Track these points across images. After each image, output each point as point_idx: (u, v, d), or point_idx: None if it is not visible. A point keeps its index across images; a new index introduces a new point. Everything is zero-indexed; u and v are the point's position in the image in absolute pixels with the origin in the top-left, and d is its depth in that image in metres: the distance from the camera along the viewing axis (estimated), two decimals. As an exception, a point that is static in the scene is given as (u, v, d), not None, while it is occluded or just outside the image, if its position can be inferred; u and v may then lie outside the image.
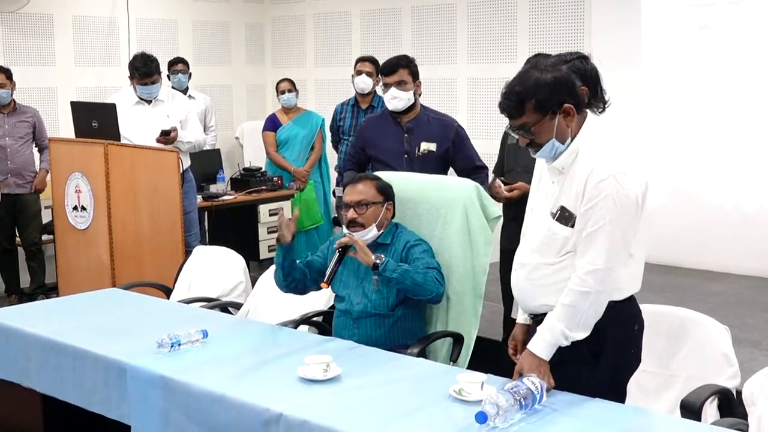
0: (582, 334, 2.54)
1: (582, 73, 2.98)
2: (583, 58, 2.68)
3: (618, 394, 2.66)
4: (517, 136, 2.61)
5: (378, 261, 3.26)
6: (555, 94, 2.52)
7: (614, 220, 2.47)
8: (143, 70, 5.33)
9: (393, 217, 3.56)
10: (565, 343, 2.55)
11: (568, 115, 2.54)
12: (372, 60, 6.11)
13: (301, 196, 6.85)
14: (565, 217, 2.57)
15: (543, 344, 2.57)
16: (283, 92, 6.96)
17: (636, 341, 2.69)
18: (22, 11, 7.15)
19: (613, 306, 2.59)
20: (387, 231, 3.50)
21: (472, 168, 4.32)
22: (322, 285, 3.36)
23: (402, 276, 3.26)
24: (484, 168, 4.36)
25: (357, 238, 3.34)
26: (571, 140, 2.57)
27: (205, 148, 6.14)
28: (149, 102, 5.45)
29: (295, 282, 3.52)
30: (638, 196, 2.52)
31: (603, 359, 2.61)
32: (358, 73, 6.12)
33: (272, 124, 6.98)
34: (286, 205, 6.88)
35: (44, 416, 3.37)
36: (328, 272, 3.34)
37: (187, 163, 5.53)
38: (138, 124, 5.38)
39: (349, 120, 6.21)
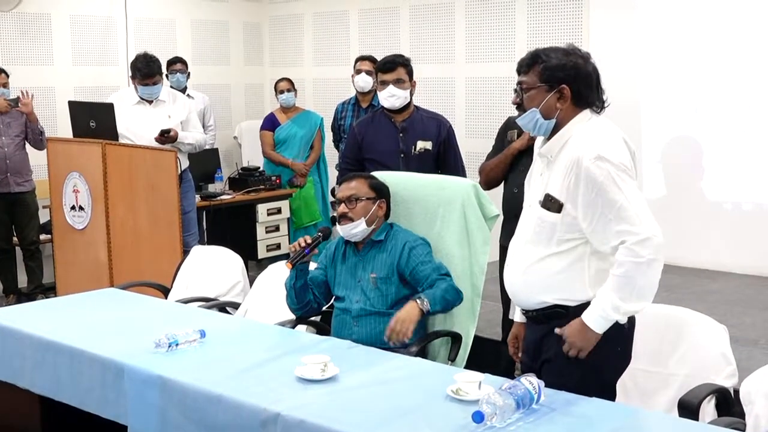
0: (639, 305, 2.55)
1: None
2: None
3: (606, 393, 2.66)
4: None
5: (424, 308, 3.24)
6: (562, 72, 2.61)
7: (626, 193, 2.51)
8: (145, 70, 5.34)
9: (387, 216, 3.56)
10: (621, 318, 2.55)
11: (561, 96, 2.61)
12: (371, 59, 6.13)
13: (300, 193, 6.85)
14: (550, 203, 2.61)
15: (596, 317, 2.56)
16: (281, 91, 6.96)
17: (624, 339, 2.69)
18: (20, 11, 7.13)
19: None
20: (381, 229, 3.51)
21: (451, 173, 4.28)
22: (286, 265, 3.37)
23: (444, 306, 3.32)
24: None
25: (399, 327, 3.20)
26: (558, 127, 2.63)
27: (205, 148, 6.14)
28: (150, 102, 5.46)
29: (308, 304, 3.53)
30: (627, 166, 2.56)
31: (589, 357, 2.62)
32: (358, 72, 6.15)
33: (270, 123, 6.98)
34: (285, 204, 6.89)
35: (41, 417, 3.36)
36: (293, 255, 3.36)
37: (185, 163, 5.53)
38: (139, 124, 5.39)
39: (349, 119, 6.22)
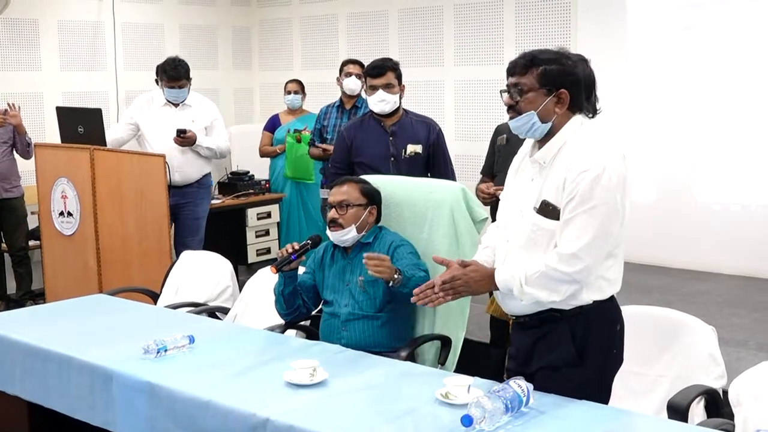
0: (529, 296, 2.56)
1: None
2: (584, 62, 2.68)
3: (604, 395, 2.66)
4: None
5: (396, 281, 3.21)
6: (562, 77, 2.59)
7: (593, 209, 2.49)
8: (171, 73, 5.40)
9: (378, 221, 3.56)
10: (516, 292, 2.57)
11: (559, 101, 2.59)
12: (360, 63, 6.14)
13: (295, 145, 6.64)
14: (548, 210, 2.58)
15: (504, 281, 2.60)
16: (289, 93, 6.98)
17: (619, 340, 2.70)
18: (7, 16, 7.11)
19: (596, 306, 2.60)
20: (370, 232, 3.50)
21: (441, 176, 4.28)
22: (271, 269, 3.37)
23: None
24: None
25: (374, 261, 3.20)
26: (552, 132, 2.61)
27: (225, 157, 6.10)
28: (176, 105, 5.48)
29: (297, 309, 3.53)
30: (616, 190, 2.53)
31: (588, 360, 2.62)
32: (348, 75, 6.15)
33: (271, 124, 7.00)
34: (274, 209, 6.87)
35: (30, 424, 3.35)
36: (279, 260, 3.36)
37: (207, 169, 5.57)
38: (161, 126, 5.44)
39: (333, 119, 6.21)
